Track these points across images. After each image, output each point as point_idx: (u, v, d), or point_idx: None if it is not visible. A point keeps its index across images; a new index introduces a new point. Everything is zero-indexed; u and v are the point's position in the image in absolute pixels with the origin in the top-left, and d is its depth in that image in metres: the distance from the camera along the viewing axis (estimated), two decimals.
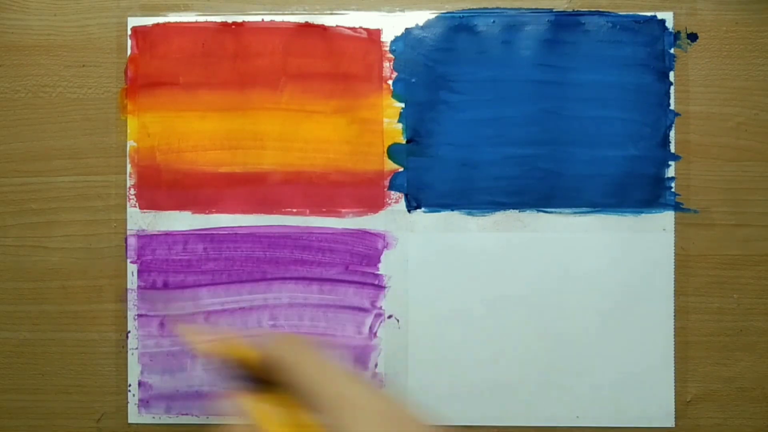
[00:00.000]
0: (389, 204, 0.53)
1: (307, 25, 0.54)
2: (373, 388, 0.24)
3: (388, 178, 0.53)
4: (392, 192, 0.53)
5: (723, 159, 0.53)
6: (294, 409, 0.23)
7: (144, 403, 0.54)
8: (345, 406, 0.22)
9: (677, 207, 0.53)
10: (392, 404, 0.24)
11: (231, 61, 0.54)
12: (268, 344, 0.25)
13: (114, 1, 0.54)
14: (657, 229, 0.53)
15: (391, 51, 0.53)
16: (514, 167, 0.53)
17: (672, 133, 0.53)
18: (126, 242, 0.54)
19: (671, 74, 0.53)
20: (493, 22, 0.53)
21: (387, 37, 0.53)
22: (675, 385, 0.53)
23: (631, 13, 0.53)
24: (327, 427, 0.22)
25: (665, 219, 0.53)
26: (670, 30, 0.53)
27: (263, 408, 0.23)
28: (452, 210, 0.53)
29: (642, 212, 0.53)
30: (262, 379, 0.24)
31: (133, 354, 0.54)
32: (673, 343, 0.53)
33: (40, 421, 0.55)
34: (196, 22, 0.54)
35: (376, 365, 0.53)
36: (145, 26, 0.54)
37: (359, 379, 0.24)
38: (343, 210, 0.54)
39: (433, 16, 0.53)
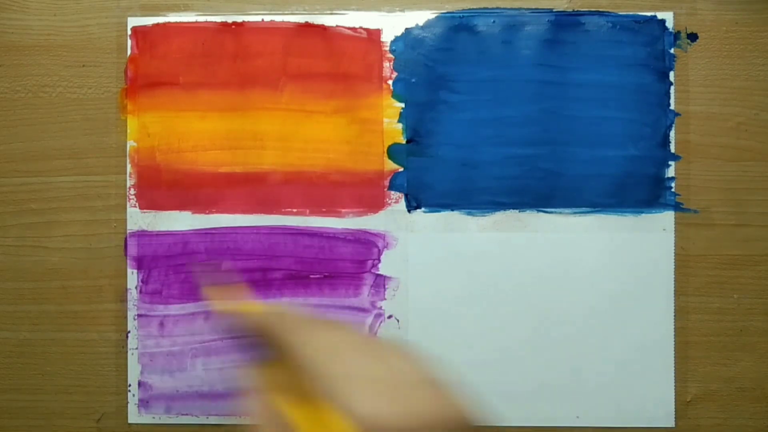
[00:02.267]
0: (389, 204, 0.53)
1: (307, 25, 0.54)
2: (370, 349, 0.23)
3: (388, 178, 0.53)
4: (392, 192, 0.53)
5: (723, 159, 0.53)
6: (296, 377, 0.23)
7: (144, 403, 0.54)
8: (345, 384, 0.21)
9: (677, 207, 0.53)
10: (394, 367, 0.23)
11: (231, 61, 0.54)
12: (266, 320, 0.26)
13: (114, 1, 0.54)
14: (657, 229, 0.53)
15: (391, 51, 0.53)
16: (514, 167, 0.53)
17: (672, 133, 0.53)
18: (126, 242, 0.54)
19: (671, 74, 0.53)
20: (493, 22, 0.53)
21: (387, 37, 0.53)
22: (675, 385, 0.53)
23: (631, 13, 0.53)
24: (331, 399, 0.21)
25: (665, 219, 0.53)
26: (670, 30, 0.53)
27: (269, 379, 0.24)
28: (452, 210, 0.53)
29: (642, 212, 0.53)
30: (267, 342, 0.25)
31: (133, 354, 0.54)
32: (673, 343, 0.53)
33: (40, 421, 0.55)
34: (196, 22, 0.54)
35: None
36: (145, 26, 0.54)
37: (354, 344, 0.23)
38: (343, 210, 0.54)
39: (433, 16, 0.53)
